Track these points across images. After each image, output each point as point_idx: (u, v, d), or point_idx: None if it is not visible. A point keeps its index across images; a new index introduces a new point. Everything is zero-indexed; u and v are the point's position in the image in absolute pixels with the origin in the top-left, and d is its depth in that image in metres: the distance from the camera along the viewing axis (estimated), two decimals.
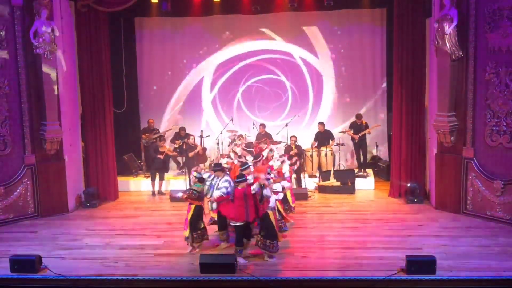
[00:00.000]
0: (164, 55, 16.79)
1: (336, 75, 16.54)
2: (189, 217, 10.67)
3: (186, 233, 10.71)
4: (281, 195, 11.07)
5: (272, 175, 10.98)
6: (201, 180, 10.78)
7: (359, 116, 15.52)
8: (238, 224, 10.27)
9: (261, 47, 16.64)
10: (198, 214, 10.76)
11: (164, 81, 16.95)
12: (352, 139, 15.58)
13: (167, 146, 15.33)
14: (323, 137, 15.56)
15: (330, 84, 16.61)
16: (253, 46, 16.65)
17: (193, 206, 10.70)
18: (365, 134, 15.49)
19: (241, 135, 15.34)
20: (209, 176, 10.86)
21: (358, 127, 15.44)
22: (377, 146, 16.02)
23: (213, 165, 11.44)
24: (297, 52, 16.55)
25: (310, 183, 15.03)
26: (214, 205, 10.76)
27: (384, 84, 16.13)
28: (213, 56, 16.77)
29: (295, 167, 13.36)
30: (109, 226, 12.45)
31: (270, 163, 12.33)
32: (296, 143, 14.98)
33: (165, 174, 15.21)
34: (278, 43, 16.57)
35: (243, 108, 16.99)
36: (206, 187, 10.74)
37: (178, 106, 17.03)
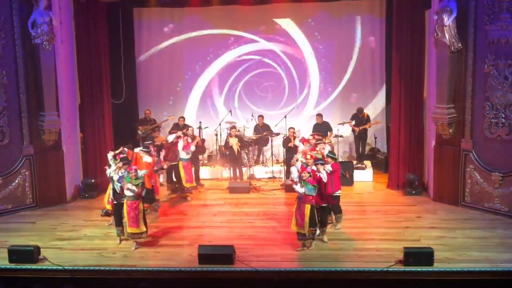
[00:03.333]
0: (162, 45, 16.72)
1: (335, 66, 16.49)
2: (142, 210, 10.63)
3: (143, 228, 10.64)
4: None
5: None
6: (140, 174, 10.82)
7: (360, 110, 15.46)
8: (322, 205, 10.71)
9: (260, 39, 16.58)
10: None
11: (163, 72, 16.89)
12: (353, 131, 15.55)
13: (163, 137, 15.24)
14: (321, 129, 15.52)
15: (329, 75, 16.57)
16: (252, 38, 16.59)
17: (140, 201, 10.68)
18: (366, 128, 15.46)
19: (234, 126, 15.30)
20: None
21: (359, 119, 15.40)
22: (375, 138, 16.02)
23: (119, 159, 11.27)
24: (295, 43, 16.48)
25: None
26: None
27: (383, 76, 16.08)
28: (212, 48, 16.69)
29: None
30: (107, 217, 12.44)
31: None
32: (294, 135, 14.95)
33: None
34: (277, 34, 16.49)
35: (244, 99, 16.95)
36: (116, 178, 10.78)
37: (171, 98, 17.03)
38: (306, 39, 16.42)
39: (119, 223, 10.95)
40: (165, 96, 17.00)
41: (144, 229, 10.71)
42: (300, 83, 16.71)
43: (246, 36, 16.57)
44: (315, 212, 10.34)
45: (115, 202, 10.96)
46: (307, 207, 10.23)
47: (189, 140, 13.66)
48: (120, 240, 10.97)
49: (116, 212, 10.97)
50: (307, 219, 10.20)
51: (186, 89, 16.98)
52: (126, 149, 12.01)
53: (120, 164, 10.89)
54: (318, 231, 10.59)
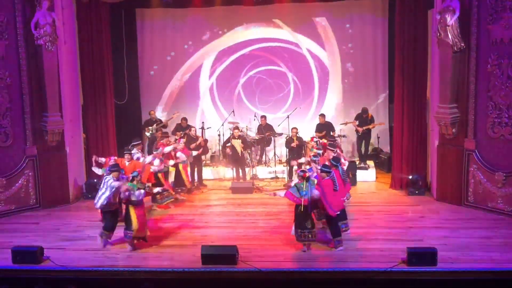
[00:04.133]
0: (165, 46, 16.74)
1: (336, 66, 16.48)
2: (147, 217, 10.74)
3: (148, 232, 10.77)
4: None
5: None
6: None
7: (365, 110, 15.41)
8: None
9: (262, 39, 16.56)
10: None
11: (165, 72, 16.91)
12: (356, 131, 15.53)
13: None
14: (324, 129, 15.50)
15: (330, 75, 16.56)
16: (255, 37, 16.58)
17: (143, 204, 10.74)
18: (369, 128, 15.43)
19: (237, 127, 15.31)
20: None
21: (363, 120, 15.37)
22: (378, 137, 16.01)
23: (109, 167, 11.17)
24: (298, 43, 16.47)
25: None
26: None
27: (386, 76, 16.07)
28: (215, 47, 16.70)
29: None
30: None
31: None
32: (297, 135, 14.96)
33: None
34: (278, 34, 16.47)
35: (245, 100, 16.94)
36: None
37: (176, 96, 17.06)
38: (304, 40, 16.42)
39: (110, 227, 10.83)
40: (168, 95, 17.01)
41: (148, 233, 10.81)
42: (300, 83, 16.71)
43: (248, 35, 16.57)
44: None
45: (106, 210, 10.86)
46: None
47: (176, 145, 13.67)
48: (104, 244, 10.81)
49: (110, 217, 10.86)
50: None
51: (189, 88, 16.99)
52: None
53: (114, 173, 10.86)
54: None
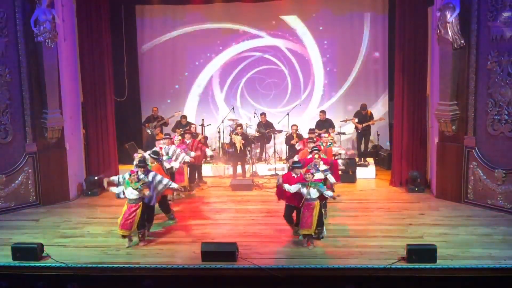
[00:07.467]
0: (165, 42, 16.73)
1: (337, 63, 16.49)
2: (139, 216, 10.50)
3: (130, 232, 10.62)
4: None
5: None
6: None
7: (364, 107, 15.41)
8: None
9: (264, 34, 16.56)
10: (144, 211, 10.73)
11: (165, 69, 16.91)
12: (356, 128, 15.53)
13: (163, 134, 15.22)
14: (324, 126, 15.51)
15: (332, 73, 16.56)
16: (255, 34, 16.56)
17: (140, 204, 10.56)
18: (369, 125, 15.43)
19: (240, 125, 15.31)
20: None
21: (362, 117, 15.37)
22: (378, 135, 16.01)
23: (137, 162, 11.22)
24: (299, 40, 16.46)
25: None
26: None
27: (386, 73, 16.06)
28: (215, 44, 16.69)
29: None
30: (110, 214, 12.43)
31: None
32: (297, 132, 14.96)
33: None
34: (278, 31, 16.47)
35: (245, 96, 16.95)
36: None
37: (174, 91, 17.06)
38: (309, 36, 16.41)
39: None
40: (167, 93, 17.01)
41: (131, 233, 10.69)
42: (304, 80, 16.70)
43: (250, 31, 16.57)
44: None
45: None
46: (317, 205, 10.23)
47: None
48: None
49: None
50: (316, 218, 10.19)
51: (188, 86, 16.99)
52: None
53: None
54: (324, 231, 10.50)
